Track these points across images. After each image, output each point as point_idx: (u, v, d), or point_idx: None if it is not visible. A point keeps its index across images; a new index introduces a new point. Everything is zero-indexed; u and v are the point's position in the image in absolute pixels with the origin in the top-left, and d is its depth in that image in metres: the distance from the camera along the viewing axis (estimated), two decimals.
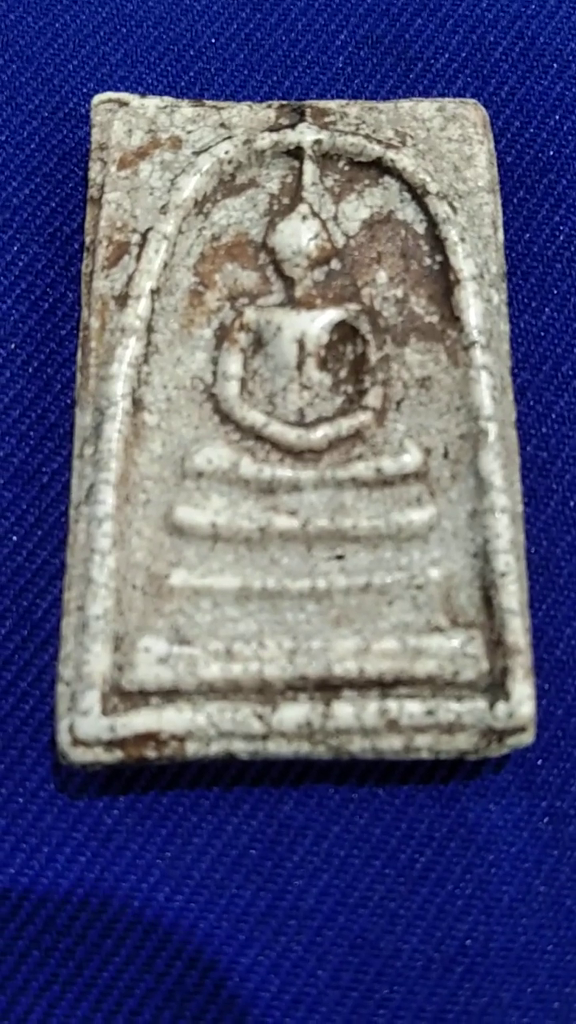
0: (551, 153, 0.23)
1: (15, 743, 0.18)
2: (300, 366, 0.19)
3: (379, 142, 0.20)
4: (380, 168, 0.20)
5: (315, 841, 0.18)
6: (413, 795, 0.18)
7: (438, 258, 0.20)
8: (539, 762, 0.19)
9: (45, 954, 0.17)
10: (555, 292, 0.22)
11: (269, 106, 0.21)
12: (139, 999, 0.17)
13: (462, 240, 0.19)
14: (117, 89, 0.23)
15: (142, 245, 0.19)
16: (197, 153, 0.20)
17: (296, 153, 0.20)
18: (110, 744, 0.17)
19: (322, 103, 0.21)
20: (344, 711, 0.17)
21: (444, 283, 0.19)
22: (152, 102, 0.21)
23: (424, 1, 0.24)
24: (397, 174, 0.20)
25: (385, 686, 0.17)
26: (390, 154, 0.20)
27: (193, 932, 0.18)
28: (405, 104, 0.21)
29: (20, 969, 0.17)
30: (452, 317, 0.19)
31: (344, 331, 0.19)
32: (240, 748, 0.17)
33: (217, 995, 0.17)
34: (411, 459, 0.19)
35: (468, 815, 0.18)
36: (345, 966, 0.17)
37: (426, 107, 0.21)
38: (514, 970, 0.18)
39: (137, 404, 0.19)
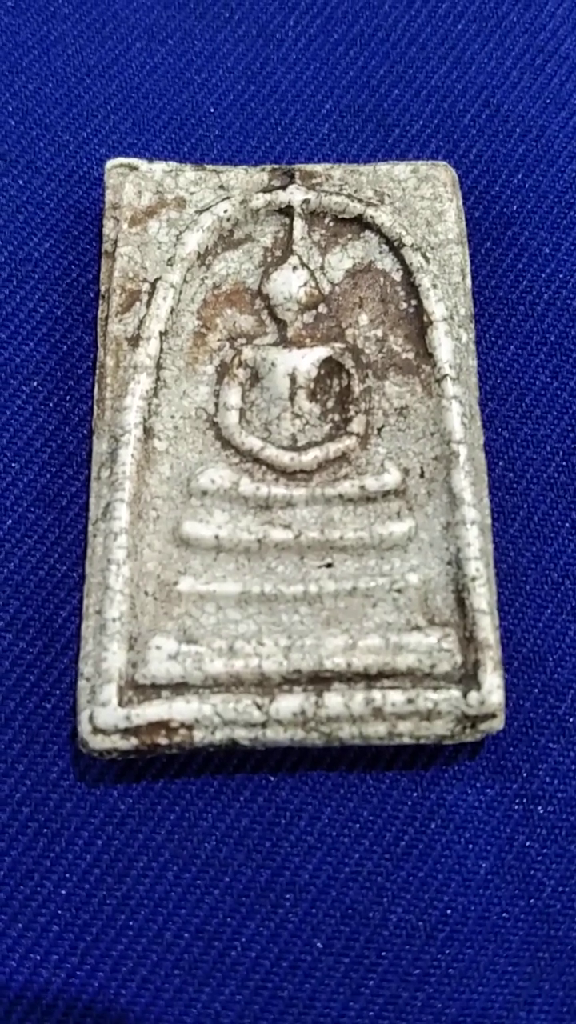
0: (514, 208, 0.23)
1: (38, 738, 0.19)
2: (292, 397, 0.20)
3: (360, 201, 0.21)
4: (361, 224, 0.21)
5: (309, 823, 0.19)
6: (397, 780, 0.19)
7: (413, 302, 0.21)
8: (510, 749, 0.19)
9: (64, 928, 0.18)
10: (519, 332, 0.22)
11: (262, 169, 0.21)
12: (150, 968, 0.18)
13: (434, 286, 0.20)
14: (127, 155, 0.23)
15: (151, 293, 0.20)
16: (199, 212, 0.21)
17: (287, 211, 0.21)
18: (126, 732, 0.17)
19: (309, 166, 0.22)
20: (334, 701, 0.18)
21: (419, 324, 0.20)
22: (159, 166, 0.22)
23: (400, 73, 0.25)
24: (376, 229, 0.21)
25: (370, 678, 0.18)
26: (370, 211, 0.21)
27: (200, 906, 0.18)
28: (383, 166, 0.22)
29: (41, 943, 0.18)
30: (426, 354, 0.20)
31: (331, 367, 0.20)
32: (242, 735, 0.18)
33: (222, 962, 0.18)
34: (391, 478, 0.19)
35: (447, 798, 0.19)
36: (337, 935, 0.18)
37: (401, 169, 0.22)
38: (490, 937, 0.18)
39: (148, 432, 0.20)
